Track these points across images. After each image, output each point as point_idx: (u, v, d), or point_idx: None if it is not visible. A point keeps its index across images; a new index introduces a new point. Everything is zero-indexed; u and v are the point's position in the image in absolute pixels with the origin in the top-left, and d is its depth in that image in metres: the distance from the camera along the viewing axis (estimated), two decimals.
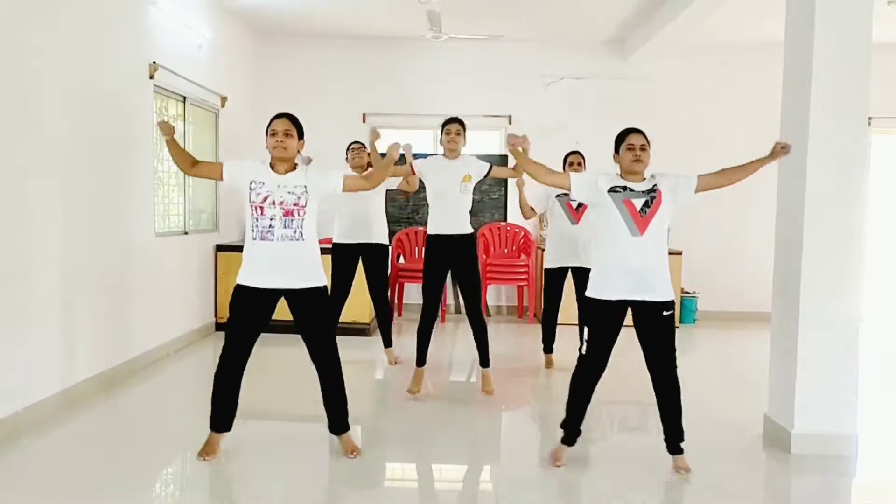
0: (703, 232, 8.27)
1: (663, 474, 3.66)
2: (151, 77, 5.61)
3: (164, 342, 5.93)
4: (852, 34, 3.88)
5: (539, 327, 6.13)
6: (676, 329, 7.57)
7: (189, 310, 6.50)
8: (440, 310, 4.94)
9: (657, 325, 3.53)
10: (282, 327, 4.06)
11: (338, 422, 3.80)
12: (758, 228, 7.55)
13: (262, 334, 3.70)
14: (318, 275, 3.64)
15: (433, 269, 4.82)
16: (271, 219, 3.52)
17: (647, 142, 3.61)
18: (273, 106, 8.30)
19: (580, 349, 3.66)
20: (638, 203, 3.47)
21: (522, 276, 8.01)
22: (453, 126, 4.82)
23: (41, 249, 4.26)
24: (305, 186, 3.58)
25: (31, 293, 4.17)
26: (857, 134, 3.94)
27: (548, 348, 5.86)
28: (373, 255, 5.75)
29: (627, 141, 3.58)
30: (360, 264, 5.79)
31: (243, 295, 3.59)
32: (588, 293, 3.59)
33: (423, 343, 4.92)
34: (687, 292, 8.08)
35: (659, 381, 3.64)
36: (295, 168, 3.66)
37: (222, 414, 3.71)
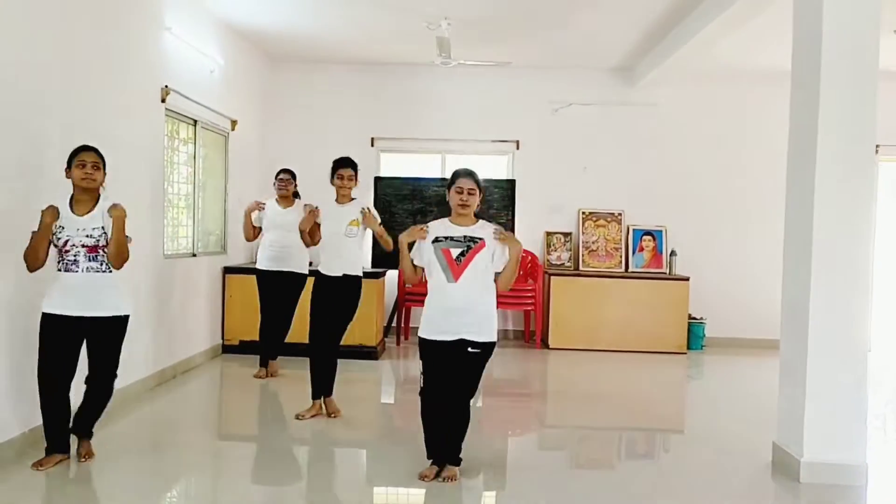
0: (711, 258, 8.25)
1: (670, 499, 3.63)
2: (163, 101, 5.68)
3: (172, 364, 5.93)
4: (859, 62, 3.90)
5: (545, 353, 6.11)
6: (683, 354, 7.63)
7: (197, 332, 6.50)
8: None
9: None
10: None
11: (81, 424, 3.87)
12: (765, 255, 7.54)
13: None
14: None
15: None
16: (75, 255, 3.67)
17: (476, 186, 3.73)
18: (282, 130, 8.50)
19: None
20: (454, 251, 3.65)
21: (529, 302, 8.01)
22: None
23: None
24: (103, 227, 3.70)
25: (37, 314, 4.17)
26: (864, 161, 3.94)
27: None
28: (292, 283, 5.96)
29: (457, 184, 3.73)
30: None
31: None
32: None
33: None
34: (694, 318, 8.05)
35: None
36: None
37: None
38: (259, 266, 6.04)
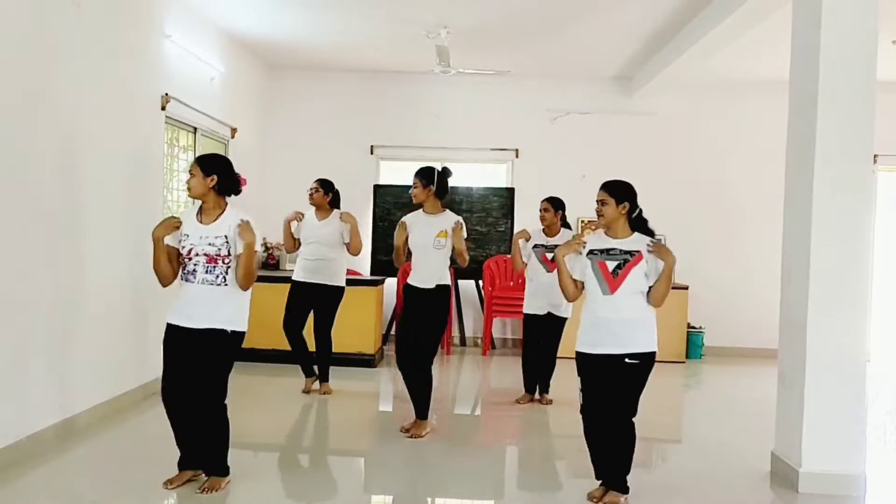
0: (710, 267, 8.25)
1: None
2: (163, 108, 5.69)
3: None
4: (857, 72, 3.92)
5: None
6: (682, 363, 7.62)
7: None
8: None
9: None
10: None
11: (212, 464, 3.68)
12: (764, 264, 7.52)
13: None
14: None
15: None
16: (195, 264, 3.59)
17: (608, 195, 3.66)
18: (282, 137, 8.52)
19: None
20: (611, 265, 3.56)
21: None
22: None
23: (48, 278, 4.28)
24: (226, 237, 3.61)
25: (37, 324, 4.18)
26: (862, 171, 3.95)
27: (529, 389, 5.79)
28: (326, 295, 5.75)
29: (598, 196, 3.69)
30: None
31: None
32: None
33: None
34: (693, 327, 8.04)
35: None
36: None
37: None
38: (295, 277, 5.77)
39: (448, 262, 4.73)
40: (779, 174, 4.43)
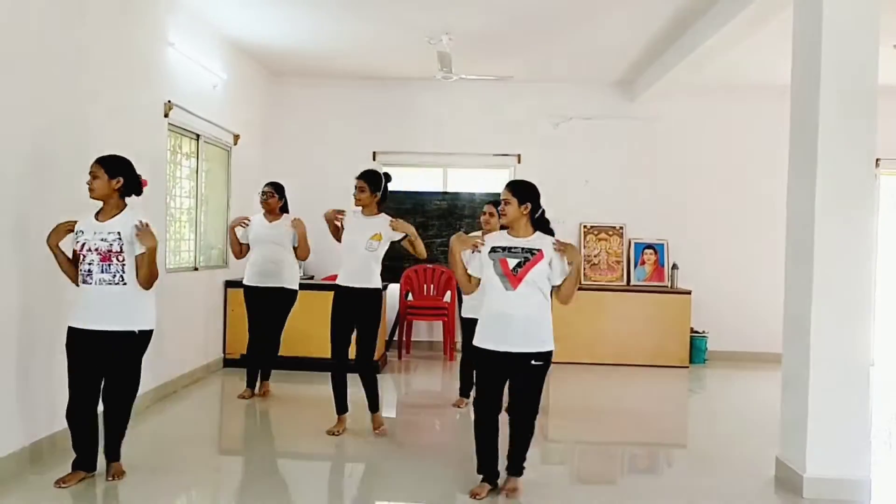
0: (713, 271, 8.24)
1: None
2: (166, 115, 5.70)
3: (173, 378, 5.92)
4: (859, 76, 3.92)
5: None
6: (685, 368, 7.61)
7: (198, 345, 6.50)
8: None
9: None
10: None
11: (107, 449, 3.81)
12: (767, 268, 7.52)
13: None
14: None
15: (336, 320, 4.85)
16: (90, 263, 3.64)
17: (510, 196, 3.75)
18: (285, 144, 8.53)
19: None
20: (511, 262, 3.65)
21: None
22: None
23: (51, 282, 4.28)
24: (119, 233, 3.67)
25: (37, 328, 4.18)
26: (864, 175, 3.94)
27: (464, 393, 5.76)
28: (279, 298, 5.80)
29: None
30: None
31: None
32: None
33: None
34: (696, 332, 8.03)
35: None
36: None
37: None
38: (246, 282, 5.81)
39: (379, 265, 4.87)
40: (781, 178, 4.42)
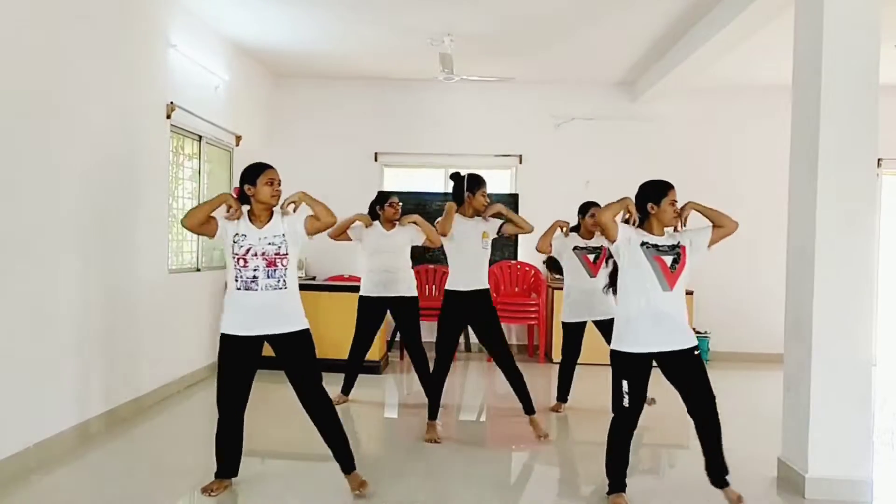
0: (714, 272, 8.23)
1: None
2: (168, 117, 5.72)
3: (176, 378, 5.94)
4: (860, 76, 3.92)
5: (549, 368, 6.09)
6: None
7: (200, 346, 6.52)
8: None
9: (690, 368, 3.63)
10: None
11: (344, 460, 3.78)
12: (769, 268, 7.52)
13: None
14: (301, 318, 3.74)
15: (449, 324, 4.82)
16: (255, 269, 3.61)
17: None
18: (287, 145, 8.54)
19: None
20: (668, 259, 3.61)
21: (533, 316, 8.00)
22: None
23: (54, 285, 4.30)
24: (284, 235, 3.67)
25: (44, 329, 4.20)
26: (866, 175, 3.95)
27: (562, 397, 5.75)
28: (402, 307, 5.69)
29: (671, 196, 3.75)
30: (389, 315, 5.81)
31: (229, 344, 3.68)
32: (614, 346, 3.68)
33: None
34: (698, 332, 8.02)
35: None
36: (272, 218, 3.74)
37: (227, 461, 3.78)
38: (363, 293, 5.65)
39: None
40: (783, 178, 4.43)
